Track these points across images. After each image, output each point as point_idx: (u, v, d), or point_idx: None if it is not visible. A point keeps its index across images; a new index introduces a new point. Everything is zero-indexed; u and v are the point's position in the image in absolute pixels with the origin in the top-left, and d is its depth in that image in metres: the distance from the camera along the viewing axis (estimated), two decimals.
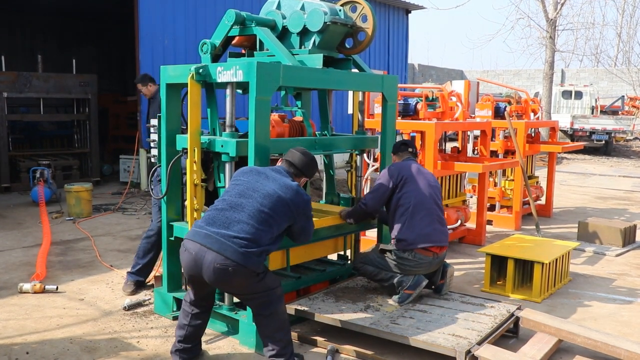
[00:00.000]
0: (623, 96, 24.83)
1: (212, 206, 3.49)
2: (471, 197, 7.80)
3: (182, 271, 3.63)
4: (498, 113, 8.43)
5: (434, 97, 6.96)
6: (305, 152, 3.75)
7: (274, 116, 4.42)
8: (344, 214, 4.48)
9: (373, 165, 6.23)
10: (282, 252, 4.28)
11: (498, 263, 5.28)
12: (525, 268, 5.22)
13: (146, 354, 3.78)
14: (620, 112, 23.25)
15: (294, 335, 4.00)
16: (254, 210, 3.33)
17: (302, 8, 4.21)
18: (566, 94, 22.41)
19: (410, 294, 4.21)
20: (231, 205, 3.37)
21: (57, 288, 4.96)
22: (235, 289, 3.45)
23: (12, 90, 10.05)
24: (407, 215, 4.36)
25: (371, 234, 6.20)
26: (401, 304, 4.17)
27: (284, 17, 4.27)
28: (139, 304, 4.64)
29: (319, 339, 3.95)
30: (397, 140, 4.90)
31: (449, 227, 6.13)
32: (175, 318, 4.32)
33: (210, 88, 4.18)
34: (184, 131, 4.28)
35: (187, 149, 4.01)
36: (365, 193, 6.38)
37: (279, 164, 3.74)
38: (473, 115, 8.00)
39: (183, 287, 4.56)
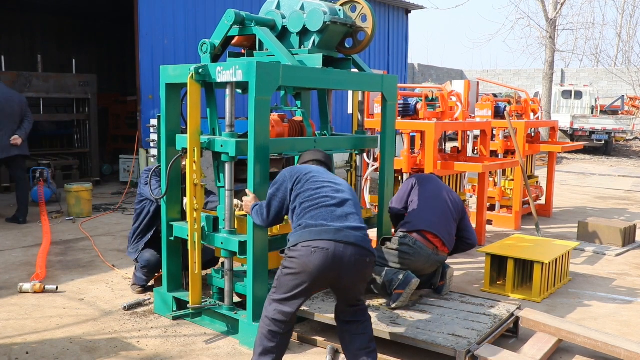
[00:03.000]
0: (623, 96, 24.83)
1: (313, 204, 3.28)
2: (471, 197, 7.80)
3: (293, 278, 3.13)
4: (498, 113, 8.43)
5: (434, 97, 6.96)
6: (320, 150, 4.01)
7: (274, 116, 4.42)
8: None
9: (373, 165, 6.23)
10: None
11: (498, 263, 5.28)
12: (525, 268, 5.22)
13: (146, 354, 3.78)
14: (620, 112, 23.26)
15: (293, 335, 4.00)
16: (354, 202, 3.39)
17: (302, 8, 4.21)
18: (566, 94, 22.41)
19: (401, 294, 4.10)
20: (338, 201, 3.32)
21: (57, 288, 4.96)
22: (364, 281, 3.36)
23: None
24: (417, 206, 4.53)
25: (371, 234, 6.19)
26: (394, 307, 4.09)
27: (283, 17, 4.27)
28: (139, 304, 4.64)
29: (319, 338, 3.95)
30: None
31: None
32: (175, 318, 4.32)
33: (210, 88, 4.18)
34: (184, 131, 4.27)
35: (186, 148, 4.02)
36: (364, 193, 6.41)
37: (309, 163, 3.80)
38: (473, 115, 8.01)
39: (183, 287, 4.57)
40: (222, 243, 3.98)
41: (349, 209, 3.31)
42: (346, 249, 3.12)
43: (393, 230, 4.73)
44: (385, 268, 4.31)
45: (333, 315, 3.87)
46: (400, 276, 4.17)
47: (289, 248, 3.19)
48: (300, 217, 3.28)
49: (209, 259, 4.79)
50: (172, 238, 4.39)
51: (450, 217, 4.56)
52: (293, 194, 3.40)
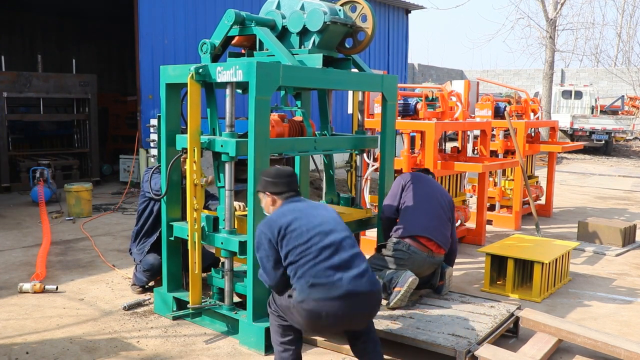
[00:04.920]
0: (623, 96, 24.83)
1: (308, 261, 3.08)
2: (471, 197, 7.80)
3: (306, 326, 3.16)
4: (498, 113, 8.43)
5: (434, 97, 6.96)
6: (282, 170, 3.49)
7: (274, 116, 4.42)
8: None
9: (373, 165, 6.23)
10: None
11: (498, 263, 5.28)
12: (525, 268, 5.22)
13: (146, 354, 3.78)
14: (620, 112, 23.25)
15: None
16: (345, 236, 3.21)
17: (302, 8, 4.21)
18: (566, 94, 22.41)
19: (399, 291, 4.11)
20: (333, 249, 3.13)
21: (57, 288, 4.96)
22: (375, 313, 3.31)
23: (12, 90, 10.05)
24: (410, 209, 4.48)
25: (371, 234, 6.20)
26: (394, 304, 4.09)
27: (283, 17, 4.27)
28: (139, 304, 4.64)
29: (319, 338, 3.95)
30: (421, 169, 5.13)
31: None
32: (175, 318, 4.32)
33: (210, 88, 4.18)
34: (184, 131, 4.27)
35: (187, 148, 4.02)
36: (364, 193, 6.40)
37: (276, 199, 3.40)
38: (473, 115, 8.01)
39: (183, 287, 4.57)
40: (222, 243, 3.98)
41: (346, 253, 3.13)
42: (357, 300, 3.06)
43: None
44: (386, 270, 4.32)
45: None
46: (400, 275, 4.18)
47: (298, 302, 3.05)
48: (300, 275, 3.07)
49: (210, 263, 4.78)
50: (172, 238, 4.39)
51: (444, 217, 4.54)
52: (282, 251, 3.14)
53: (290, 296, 3.13)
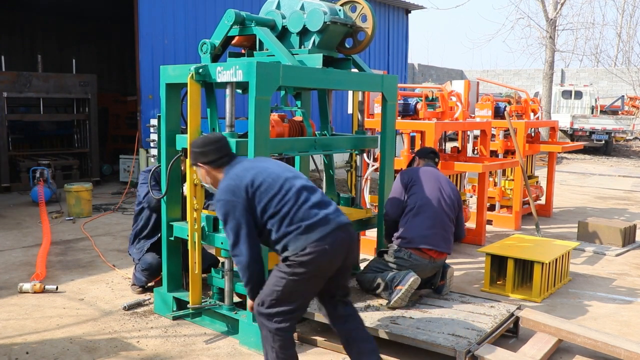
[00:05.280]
0: (623, 96, 24.83)
1: (291, 208, 3.01)
2: (471, 197, 7.80)
3: (306, 283, 3.04)
4: (498, 113, 8.43)
5: (434, 97, 6.96)
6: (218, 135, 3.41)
7: (274, 116, 4.42)
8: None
9: (373, 165, 6.22)
10: None
11: (498, 263, 5.28)
12: (525, 268, 5.22)
13: (146, 354, 3.78)
14: (620, 112, 23.25)
15: (293, 335, 4.00)
16: (308, 181, 3.22)
17: (302, 8, 4.21)
18: (566, 94, 22.41)
19: (400, 289, 4.10)
20: (308, 192, 3.10)
21: (57, 288, 4.96)
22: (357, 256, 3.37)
23: (12, 90, 10.05)
24: (410, 215, 4.41)
25: (371, 234, 6.20)
26: (394, 302, 4.08)
27: (283, 17, 4.27)
28: (139, 304, 4.64)
29: (319, 338, 3.95)
30: (426, 147, 5.00)
31: None
32: (175, 318, 4.32)
33: (210, 88, 4.18)
34: (184, 131, 4.28)
35: (186, 149, 4.02)
36: (365, 193, 6.40)
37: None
38: (473, 115, 8.00)
39: (183, 287, 4.57)
40: (222, 243, 3.98)
41: (317, 193, 3.13)
42: (345, 233, 3.09)
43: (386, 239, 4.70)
44: (388, 271, 4.32)
45: None
46: (402, 274, 4.20)
47: (297, 254, 2.96)
48: (287, 224, 3.00)
49: (210, 264, 4.78)
50: (172, 238, 4.39)
51: (446, 221, 4.47)
52: (257, 209, 3.01)
53: (284, 260, 3.02)
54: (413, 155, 4.96)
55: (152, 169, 4.73)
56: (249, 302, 3.19)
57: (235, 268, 3.45)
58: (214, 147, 3.22)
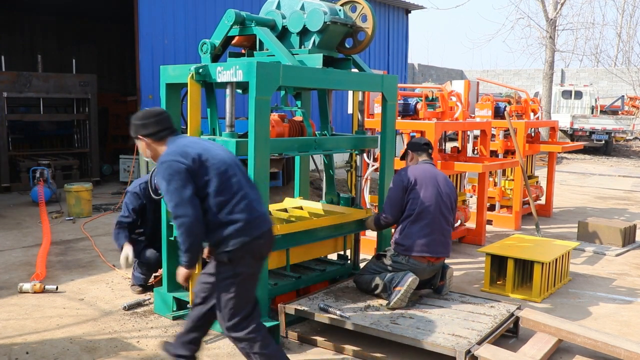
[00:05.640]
0: (623, 96, 24.83)
1: (230, 197, 3.01)
2: (471, 197, 7.80)
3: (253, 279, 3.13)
4: (498, 113, 8.43)
5: (434, 97, 6.96)
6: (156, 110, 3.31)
7: (274, 116, 4.42)
8: (370, 222, 4.62)
9: (373, 165, 6.22)
10: (281, 251, 4.29)
11: (498, 263, 5.28)
12: (525, 268, 5.22)
13: (146, 354, 3.78)
14: (620, 112, 23.25)
15: (294, 335, 4.01)
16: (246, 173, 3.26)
17: (302, 8, 4.21)
18: (566, 94, 22.41)
19: (399, 290, 4.09)
20: (249, 187, 3.13)
21: (57, 288, 4.96)
22: None
23: (12, 90, 10.05)
24: (408, 222, 4.34)
25: (371, 234, 6.20)
26: (393, 303, 4.07)
27: (283, 17, 4.27)
28: (139, 304, 4.64)
29: (319, 338, 3.95)
30: (417, 137, 4.84)
31: None
32: (175, 318, 4.32)
33: (210, 88, 4.18)
34: (184, 131, 4.27)
35: None
36: (364, 193, 6.41)
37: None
38: (473, 115, 8.01)
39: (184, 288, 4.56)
40: None
41: (257, 191, 3.18)
42: (271, 234, 3.18)
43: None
44: (386, 272, 4.31)
45: (334, 316, 3.88)
46: (400, 274, 4.18)
47: (237, 249, 2.97)
48: (227, 212, 2.98)
49: None
50: (172, 238, 4.39)
51: (445, 225, 4.41)
52: (201, 180, 2.97)
53: (219, 255, 3.02)
54: (405, 149, 4.78)
55: (136, 186, 4.85)
56: (182, 272, 3.07)
57: (176, 233, 3.40)
58: (155, 120, 3.16)
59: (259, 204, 3.12)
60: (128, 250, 4.57)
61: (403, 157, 4.81)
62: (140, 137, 3.18)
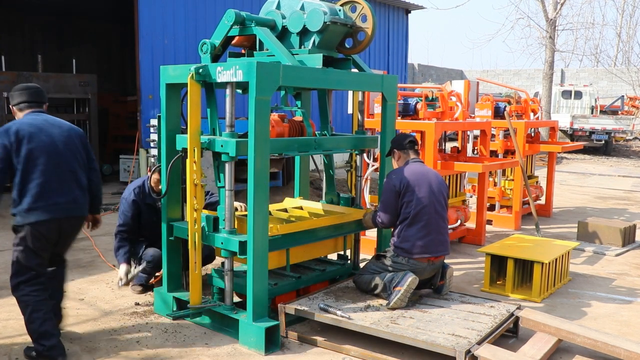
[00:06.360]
0: (623, 96, 24.83)
1: (37, 175, 3.49)
2: (471, 197, 7.80)
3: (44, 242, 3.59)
4: (498, 113, 8.44)
5: (434, 97, 6.97)
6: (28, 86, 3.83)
7: (274, 116, 4.42)
8: (368, 219, 4.63)
9: (373, 165, 6.23)
10: (281, 251, 4.29)
11: (498, 263, 5.28)
12: (525, 268, 5.22)
13: (146, 354, 3.78)
14: (619, 112, 23.26)
15: (294, 335, 4.01)
16: (73, 154, 3.74)
17: (302, 8, 4.21)
18: (566, 94, 22.42)
19: (399, 290, 4.09)
20: (59, 171, 3.60)
21: None
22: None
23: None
24: (405, 225, 4.32)
25: (371, 234, 6.20)
26: (393, 303, 4.07)
27: (283, 17, 4.27)
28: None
29: (319, 338, 3.95)
30: (400, 133, 4.81)
31: (449, 226, 6.10)
32: (175, 318, 4.32)
33: (210, 88, 4.18)
34: (184, 131, 4.28)
35: (186, 148, 4.02)
36: (364, 193, 6.41)
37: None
38: (473, 115, 8.01)
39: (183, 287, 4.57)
40: (222, 243, 3.98)
41: (68, 182, 3.60)
42: (66, 223, 3.63)
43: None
44: (386, 272, 4.31)
45: (334, 316, 3.88)
46: (400, 274, 4.18)
47: (30, 225, 3.47)
48: (35, 193, 3.45)
49: (207, 253, 4.77)
50: (172, 238, 4.39)
51: (441, 223, 4.40)
52: (17, 156, 3.45)
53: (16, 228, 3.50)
54: (390, 147, 4.63)
55: (135, 185, 4.86)
56: None
57: None
58: (19, 92, 3.67)
59: (57, 194, 3.51)
60: (124, 270, 4.73)
61: (389, 155, 4.69)
62: (11, 106, 3.70)
